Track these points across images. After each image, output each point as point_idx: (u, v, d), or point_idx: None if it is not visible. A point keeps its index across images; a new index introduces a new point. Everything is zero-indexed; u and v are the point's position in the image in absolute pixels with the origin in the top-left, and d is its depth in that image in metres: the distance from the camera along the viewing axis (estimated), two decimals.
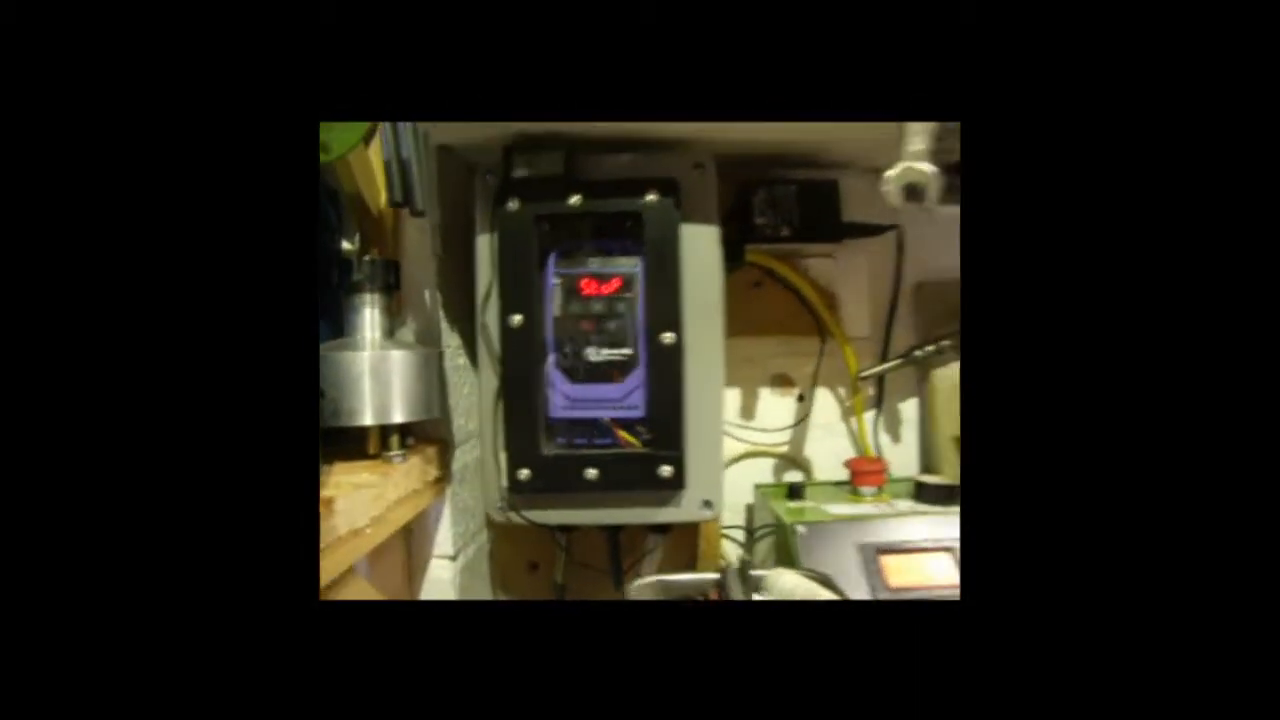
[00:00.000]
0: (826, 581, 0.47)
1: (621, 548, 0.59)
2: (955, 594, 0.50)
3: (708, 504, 0.51)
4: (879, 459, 0.62)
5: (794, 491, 0.61)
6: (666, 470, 0.50)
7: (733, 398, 0.69)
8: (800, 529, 0.52)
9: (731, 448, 0.69)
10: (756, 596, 0.47)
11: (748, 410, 0.69)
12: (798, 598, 0.44)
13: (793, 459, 0.70)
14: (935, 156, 0.46)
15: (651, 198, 0.49)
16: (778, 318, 0.66)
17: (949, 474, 0.68)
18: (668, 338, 0.49)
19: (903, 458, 0.71)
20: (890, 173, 0.43)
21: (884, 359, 0.68)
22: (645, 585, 0.48)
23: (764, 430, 0.69)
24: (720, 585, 0.48)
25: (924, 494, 0.58)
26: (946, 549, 0.52)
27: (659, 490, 0.50)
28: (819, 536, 0.53)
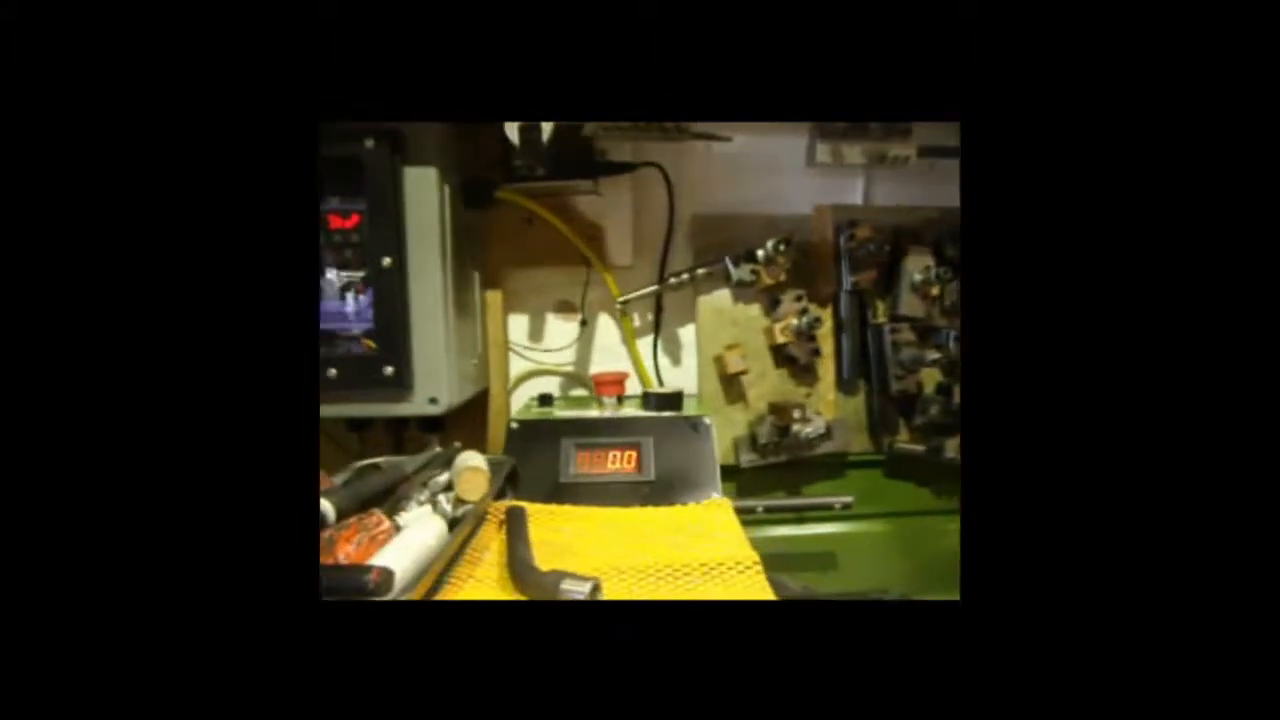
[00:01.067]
0: (496, 463, 0.57)
1: (405, 446, 0.71)
2: (627, 479, 0.59)
3: (433, 400, 0.62)
4: (620, 373, 0.70)
5: (544, 400, 0.70)
6: (389, 371, 0.60)
7: (521, 323, 0.78)
8: (514, 424, 0.62)
9: (521, 366, 0.78)
10: (444, 473, 0.57)
11: (535, 333, 0.78)
12: (461, 468, 0.54)
13: (577, 377, 0.79)
14: None
15: (369, 144, 0.59)
16: (552, 250, 0.75)
17: (707, 390, 0.76)
18: (386, 261, 0.59)
19: (681, 378, 0.80)
20: None
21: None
22: (366, 464, 0.59)
23: (549, 351, 0.78)
24: (424, 466, 0.58)
25: (648, 401, 0.67)
26: (633, 446, 0.61)
27: (387, 388, 0.61)
28: (531, 432, 0.62)
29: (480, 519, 0.52)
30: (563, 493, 0.58)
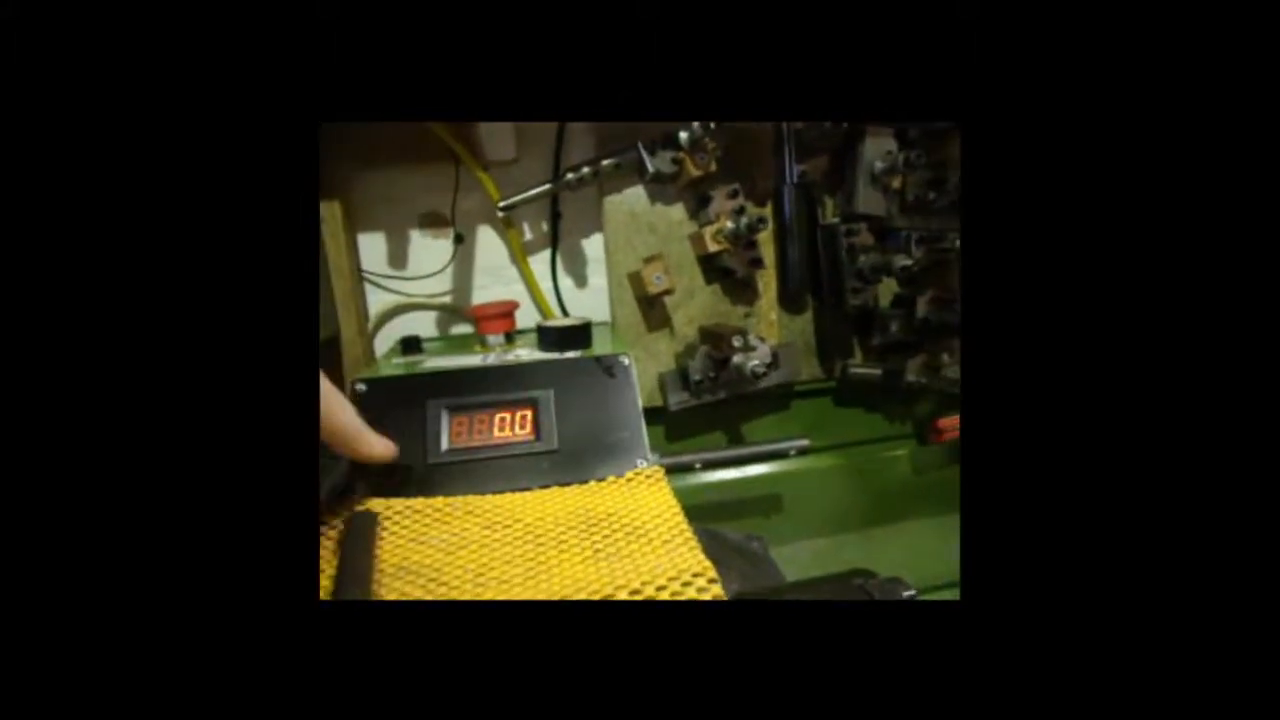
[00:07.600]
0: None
1: None
2: (522, 449, 0.44)
3: None
4: (506, 303, 0.54)
5: (409, 345, 0.53)
6: None
7: (376, 243, 0.59)
8: (359, 385, 0.45)
9: (383, 300, 0.60)
10: None
11: (396, 257, 0.60)
12: None
13: (457, 309, 0.61)
14: None
15: None
16: (407, 141, 0.56)
17: (623, 317, 0.61)
18: None
19: (590, 303, 0.64)
20: None
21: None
22: None
23: (417, 279, 0.60)
24: None
25: (546, 338, 0.51)
26: (528, 404, 0.45)
27: None
28: (385, 394, 0.45)
29: None
30: (435, 479, 0.43)
